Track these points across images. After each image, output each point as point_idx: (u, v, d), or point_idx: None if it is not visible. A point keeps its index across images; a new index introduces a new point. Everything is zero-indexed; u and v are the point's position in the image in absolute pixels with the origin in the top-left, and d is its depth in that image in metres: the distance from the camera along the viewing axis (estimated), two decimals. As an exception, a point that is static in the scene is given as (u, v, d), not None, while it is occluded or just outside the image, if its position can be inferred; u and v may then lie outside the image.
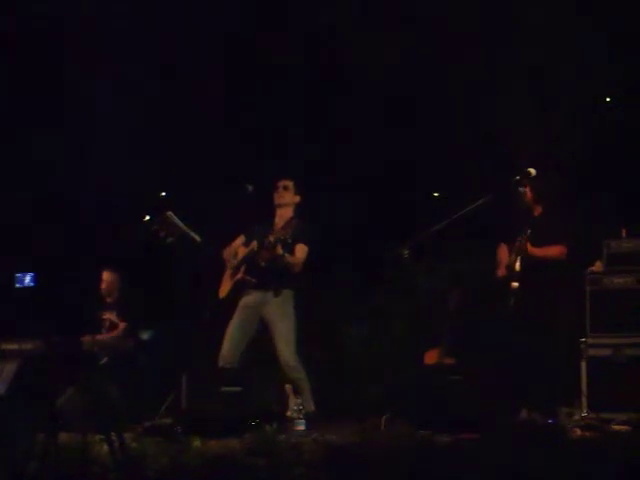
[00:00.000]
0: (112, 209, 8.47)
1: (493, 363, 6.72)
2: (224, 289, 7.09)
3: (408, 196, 8.62)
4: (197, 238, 7.02)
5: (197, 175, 8.49)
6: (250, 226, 7.15)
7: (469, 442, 5.61)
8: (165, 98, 8.54)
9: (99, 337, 7.64)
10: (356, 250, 8.68)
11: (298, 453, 5.25)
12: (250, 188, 6.96)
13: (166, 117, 8.52)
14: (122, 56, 8.29)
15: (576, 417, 6.85)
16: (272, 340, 6.88)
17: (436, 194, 8.85)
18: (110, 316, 7.82)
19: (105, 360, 7.37)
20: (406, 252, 6.78)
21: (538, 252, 6.69)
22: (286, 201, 7.11)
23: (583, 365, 7.08)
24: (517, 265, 6.68)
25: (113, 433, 4.78)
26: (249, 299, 6.97)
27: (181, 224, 7.03)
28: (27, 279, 5.36)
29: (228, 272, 7.12)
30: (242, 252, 7.09)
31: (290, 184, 7.11)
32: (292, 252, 6.87)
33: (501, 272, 6.89)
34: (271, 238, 6.74)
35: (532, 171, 6.77)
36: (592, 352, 7.10)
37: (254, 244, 6.98)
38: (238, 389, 6.67)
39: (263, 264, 6.87)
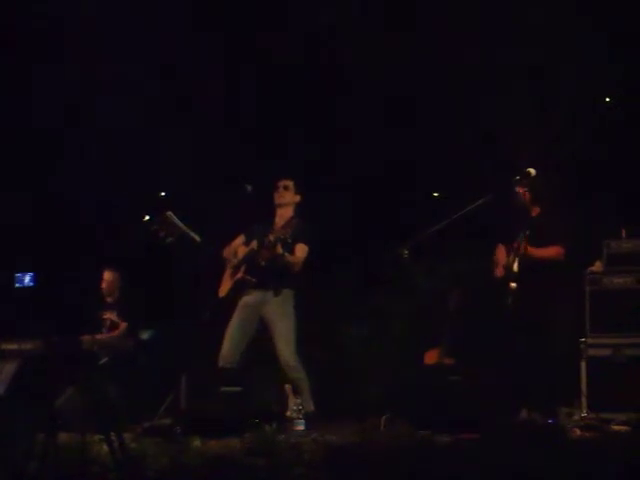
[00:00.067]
0: (112, 209, 8.46)
1: (493, 363, 6.72)
2: (224, 288, 7.09)
3: (408, 196, 8.61)
4: (197, 238, 7.03)
5: (197, 175, 8.49)
6: (250, 225, 7.15)
7: (469, 442, 5.61)
8: (165, 98, 8.53)
9: (99, 337, 7.64)
10: (356, 250, 8.68)
11: (298, 453, 5.25)
12: (249, 188, 6.96)
13: (166, 117, 8.52)
14: (122, 56, 8.29)
15: (576, 417, 6.86)
16: (272, 340, 6.88)
17: (436, 194, 8.85)
18: (110, 316, 7.83)
19: (105, 360, 7.37)
20: (406, 252, 6.79)
21: (535, 253, 6.68)
22: (286, 201, 7.11)
23: (583, 365, 7.08)
24: (515, 266, 6.68)
25: (113, 433, 4.78)
26: (249, 299, 6.97)
27: (181, 224, 7.04)
28: (26, 279, 5.36)
29: (228, 271, 7.13)
30: (242, 251, 7.09)
31: (290, 184, 7.12)
32: (292, 252, 6.87)
33: (499, 272, 6.89)
34: (271, 237, 6.74)
35: (532, 171, 6.78)
36: (592, 352, 7.11)
37: (254, 243, 6.99)
38: (238, 389, 6.66)
39: (263, 263, 6.87)
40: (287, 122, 8.75)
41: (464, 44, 8.24)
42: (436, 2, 8.34)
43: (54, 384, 5.08)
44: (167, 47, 8.40)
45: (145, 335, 8.04)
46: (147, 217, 7.27)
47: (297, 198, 7.14)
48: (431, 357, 7.40)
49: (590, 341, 7.14)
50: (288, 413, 6.80)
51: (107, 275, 7.96)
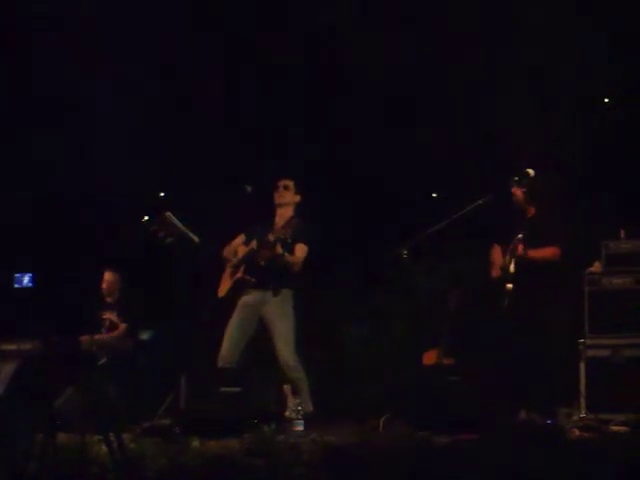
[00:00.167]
0: (112, 209, 8.46)
1: (492, 364, 6.72)
2: (223, 288, 7.10)
3: (408, 196, 8.61)
4: (195, 239, 7.03)
5: (197, 175, 8.49)
6: (250, 225, 7.15)
7: (468, 443, 5.61)
8: (165, 98, 8.54)
9: (98, 337, 7.64)
10: (356, 250, 8.68)
11: (297, 453, 5.25)
12: (249, 189, 6.97)
13: (166, 117, 8.52)
14: (122, 56, 8.29)
15: (575, 418, 6.84)
16: (271, 340, 6.89)
17: (435, 194, 8.85)
18: (110, 316, 7.83)
19: (104, 360, 7.38)
20: (405, 252, 6.79)
21: (531, 254, 6.67)
22: (286, 201, 7.11)
23: (582, 366, 7.08)
24: (511, 267, 6.68)
25: (112, 433, 4.77)
26: (248, 298, 6.98)
27: (180, 224, 7.04)
28: (26, 279, 5.36)
29: (228, 271, 7.13)
30: (242, 251, 7.10)
31: (290, 184, 7.12)
32: (292, 252, 6.87)
33: (495, 273, 6.89)
34: (271, 237, 6.75)
35: (531, 172, 6.78)
36: (591, 353, 7.10)
37: (254, 243, 6.99)
38: (237, 389, 6.67)
39: (263, 263, 6.88)
40: (287, 122, 8.75)
41: (464, 44, 8.24)
42: (436, 2, 8.34)
43: (53, 384, 5.08)
44: (167, 47, 8.40)
45: (145, 335, 8.05)
46: (146, 217, 7.27)
47: (297, 198, 7.15)
48: (430, 357, 7.39)
49: (589, 342, 7.13)
50: (287, 413, 6.80)
51: (107, 276, 7.97)
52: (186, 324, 7.42)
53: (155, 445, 5.52)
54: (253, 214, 7.08)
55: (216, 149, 8.54)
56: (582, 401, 6.95)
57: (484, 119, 8.39)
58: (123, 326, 7.78)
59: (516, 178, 6.83)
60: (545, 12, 8.12)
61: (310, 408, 6.78)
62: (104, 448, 4.84)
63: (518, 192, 6.88)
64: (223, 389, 6.67)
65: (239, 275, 6.99)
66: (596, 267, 7.27)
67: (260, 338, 6.97)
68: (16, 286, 5.38)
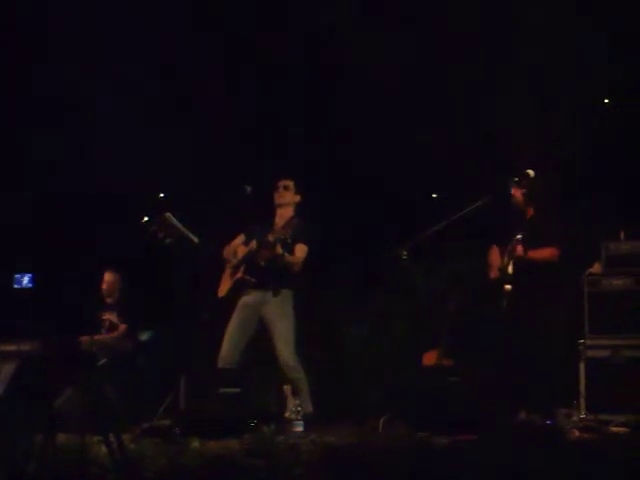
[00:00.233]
0: (112, 209, 8.46)
1: (492, 364, 6.72)
2: (223, 288, 7.10)
3: (408, 196, 8.61)
4: (195, 239, 7.03)
5: (197, 175, 8.49)
6: (250, 225, 7.15)
7: (468, 443, 5.61)
8: (165, 98, 8.54)
9: (98, 337, 7.64)
10: (356, 250, 8.68)
11: (296, 454, 5.25)
12: (249, 189, 6.96)
13: (166, 117, 8.52)
14: (122, 56, 8.29)
15: (574, 418, 6.85)
16: (271, 340, 6.89)
17: (434, 195, 8.84)
18: (110, 317, 7.83)
19: (104, 361, 7.37)
20: (405, 253, 6.79)
21: (529, 255, 6.66)
22: (286, 201, 7.11)
23: (581, 366, 7.08)
24: (510, 268, 6.67)
25: (111, 434, 4.77)
26: (248, 299, 6.98)
27: (179, 225, 7.04)
28: (25, 280, 5.35)
29: (227, 271, 7.13)
30: (242, 251, 7.09)
31: (290, 184, 7.12)
32: (292, 252, 6.87)
33: (493, 274, 6.89)
34: (271, 237, 6.75)
35: (531, 173, 6.77)
36: (590, 353, 7.10)
37: (254, 243, 6.99)
38: (237, 390, 6.66)
39: (263, 264, 6.88)
40: (287, 122, 8.76)
41: (464, 44, 8.24)
42: (436, 2, 8.34)
43: (53, 385, 5.07)
44: (167, 47, 8.40)
45: (144, 336, 8.05)
46: (146, 218, 7.27)
47: (297, 198, 7.14)
48: (429, 358, 7.39)
49: (589, 342, 7.13)
50: (287, 414, 6.81)
51: (108, 276, 7.97)
52: (186, 324, 7.41)
53: (155, 446, 5.52)
54: (253, 214, 7.07)
55: (216, 149, 8.54)
56: (582, 402, 6.95)
57: (484, 119, 8.39)
58: (123, 327, 7.78)
59: (516, 179, 6.83)
60: (545, 12, 8.12)
61: (310, 409, 6.78)
62: (104, 448, 4.84)
63: (517, 193, 6.87)
64: (223, 390, 6.66)
65: (239, 275, 6.98)
66: (596, 268, 7.28)
67: (260, 338, 6.97)
68: (16, 287, 5.38)
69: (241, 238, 7.20)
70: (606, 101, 8.22)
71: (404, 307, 8.61)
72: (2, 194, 8.13)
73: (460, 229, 6.93)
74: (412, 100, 8.43)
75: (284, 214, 7.10)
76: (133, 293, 7.98)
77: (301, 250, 6.92)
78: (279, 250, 6.73)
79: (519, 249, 6.61)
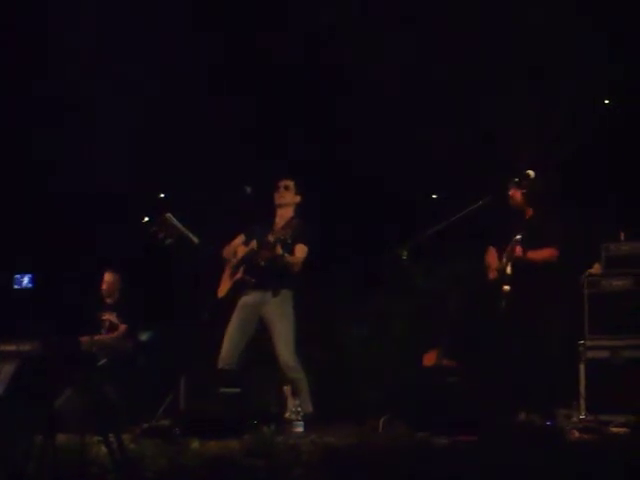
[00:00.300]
0: (112, 209, 8.47)
1: (492, 365, 6.72)
2: (223, 289, 7.09)
3: (408, 196, 8.61)
4: (195, 240, 7.03)
5: (197, 175, 8.49)
6: (250, 226, 7.15)
7: (468, 444, 5.61)
8: (165, 98, 8.54)
9: (98, 338, 7.65)
10: (356, 250, 8.68)
11: (296, 454, 5.24)
12: (248, 190, 6.96)
13: (166, 117, 8.52)
14: (122, 56, 8.29)
15: (574, 419, 6.86)
16: (271, 340, 6.88)
17: (435, 196, 8.85)
18: (110, 317, 7.84)
19: (104, 361, 7.38)
20: (405, 253, 6.79)
21: (529, 255, 6.66)
22: (287, 201, 7.10)
23: (581, 367, 7.08)
24: (508, 269, 6.67)
25: (111, 434, 4.77)
26: (248, 299, 6.97)
27: (180, 225, 7.04)
28: (25, 280, 5.36)
29: (227, 272, 7.12)
30: (242, 252, 7.09)
31: (291, 184, 7.11)
32: (292, 252, 6.87)
33: (492, 275, 6.89)
34: (270, 238, 6.74)
35: (531, 173, 6.76)
36: (590, 354, 7.11)
37: (254, 244, 6.98)
38: (237, 390, 6.67)
39: (262, 264, 6.87)
40: (287, 122, 8.76)
41: (464, 44, 8.24)
42: (436, 2, 8.34)
43: (53, 385, 5.07)
44: (167, 47, 8.40)
45: (144, 336, 8.05)
46: (147, 218, 7.27)
47: (297, 198, 7.13)
48: (429, 358, 7.40)
49: (588, 343, 7.14)
50: (287, 414, 6.81)
51: (108, 276, 7.97)
52: (186, 325, 7.42)
53: (155, 446, 5.50)
54: (253, 214, 7.07)
55: (216, 149, 8.54)
56: (582, 402, 6.96)
57: (484, 119, 8.39)
58: (123, 327, 7.78)
59: (516, 179, 6.82)
60: (545, 12, 8.12)
61: (310, 409, 6.77)
62: (104, 449, 4.84)
63: (517, 193, 6.86)
64: (223, 390, 6.67)
65: (239, 276, 6.98)
66: (596, 269, 7.28)
67: (260, 338, 6.96)
68: (16, 287, 5.39)
69: (241, 238, 7.20)
70: (606, 101, 8.22)
71: (404, 307, 8.62)
72: (2, 194, 8.14)
73: (460, 229, 6.92)
74: (412, 100, 8.43)
75: (284, 214, 7.09)
76: (133, 293, 7.98)
77: (301, 250, 6.91)
78: (279, 250, 6.72)
79: (518, 250, 6.61)
